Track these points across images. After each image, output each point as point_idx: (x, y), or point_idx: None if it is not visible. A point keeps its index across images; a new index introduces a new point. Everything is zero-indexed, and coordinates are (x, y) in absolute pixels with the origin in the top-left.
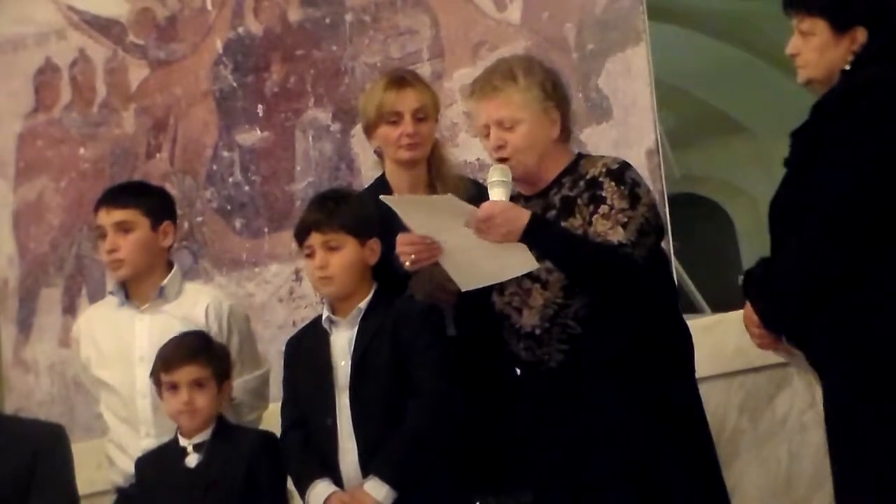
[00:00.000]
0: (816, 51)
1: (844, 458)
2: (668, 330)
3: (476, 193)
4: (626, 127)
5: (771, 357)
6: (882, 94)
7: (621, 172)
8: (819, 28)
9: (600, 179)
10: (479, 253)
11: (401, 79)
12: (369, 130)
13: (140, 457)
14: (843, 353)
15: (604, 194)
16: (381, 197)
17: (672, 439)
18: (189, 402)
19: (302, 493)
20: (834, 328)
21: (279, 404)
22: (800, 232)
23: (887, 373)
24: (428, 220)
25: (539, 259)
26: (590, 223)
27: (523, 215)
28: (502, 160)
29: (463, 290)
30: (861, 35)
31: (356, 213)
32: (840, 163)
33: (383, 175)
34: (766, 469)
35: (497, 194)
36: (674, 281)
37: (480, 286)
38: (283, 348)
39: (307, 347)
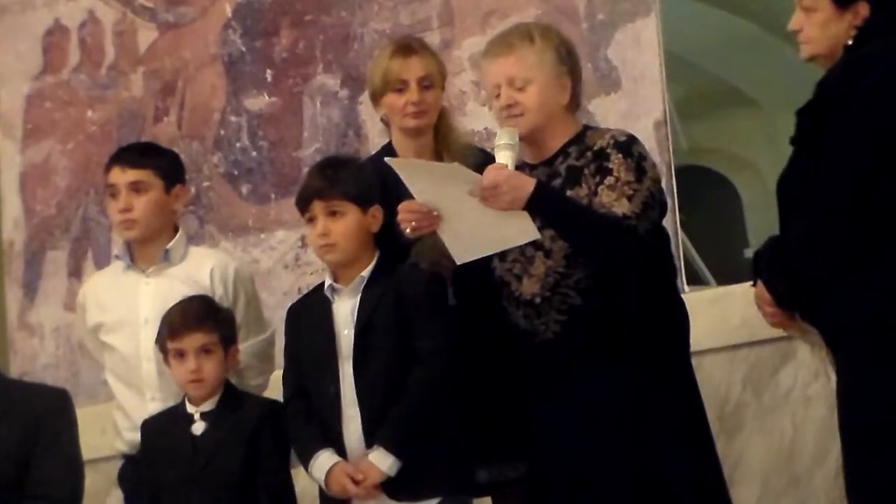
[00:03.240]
0: (819, 26)
1: (857, 434)
2: (666, 306)
3: (483, 162)
4: (635, 98)
5: (776, 330)
6: (885, 69)
7: (629, 145)
8: (821, 3)
9: (608, 151)
10: (480, 222)
11: (407, 46)
12: (375, 98)
13: (146, 419)
14: (857, 330)
15: (610, 166)
16: (387, 159)
17: (666, 414)
18: (196, 370)
19: (305, 464)
20: (848, 304)
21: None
22: (809, 209)
23: None
24: (431, 187)
25: (542, 228)
26: (595, 193)
27: (528, 183)
28: (511, 118)
29: (458, 262)
30: (863, 9)
31: (357, 180)
32: (846, 140)
33: (390, 143)
34: (770, 442)
35: (503, 157)
36: (673, 258)
37: (476, 258)
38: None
39: (309, 315)
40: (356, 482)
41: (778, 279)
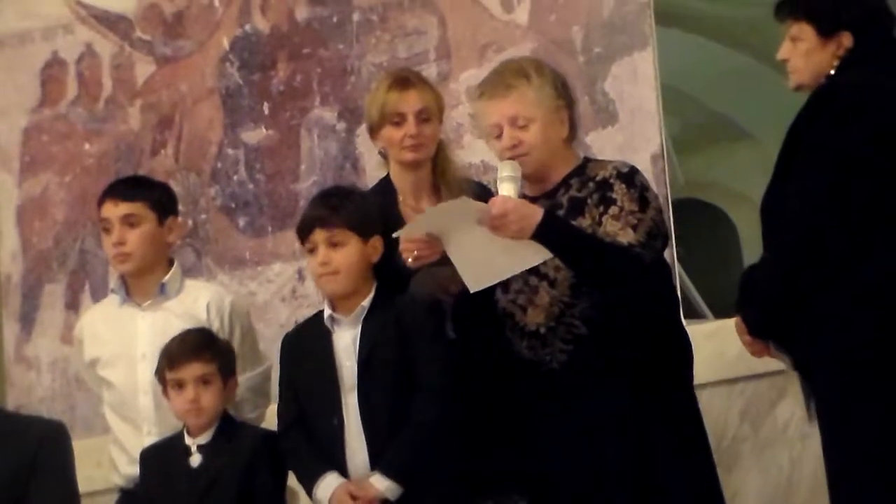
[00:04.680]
0: (803, 56)
1: (838, 458)
2: (670, 336)
3: (481, 195)
4: (632, 131)
5: (773, 363)
6: (851, 97)
7: (631, 176)
8: (806, 33)
9: (611, 181)
10: (490, 249)
11: (404, 79)
12: (373, 131)
13: (145, 448)
14: (826, 355)
15: (614, 196)
16: (396, 234)
17: (670, 445)
18: (195, 400)
19: (309, 490)
20: (815, 330)
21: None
22: (777, 236)
23: (872, 371)
24: (439, 222)
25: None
26: (599, 223)
27: (536, 212)
28: (516, 158)
29: (472, 290)
30: (846, 40)
31: (360, 210)
32: (809, 167)
33: (388, 176)
34: (767, 476)
35: (506, 189)
36: (675, 288)
37: (491, 284)
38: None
39: (307, 346)
40: (355, 498)
41: (748, 308)
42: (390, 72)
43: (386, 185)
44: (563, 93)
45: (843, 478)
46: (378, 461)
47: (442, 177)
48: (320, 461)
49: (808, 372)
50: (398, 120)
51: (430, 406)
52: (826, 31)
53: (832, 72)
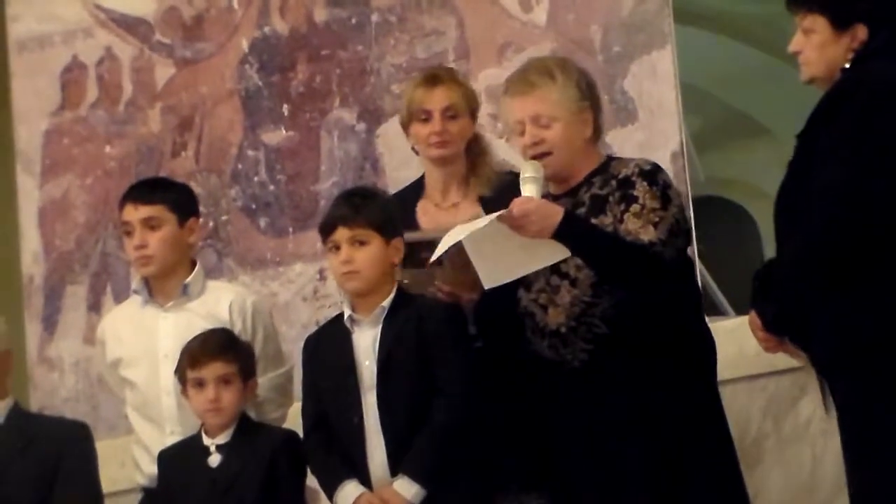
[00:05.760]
0: (817, 48)
1: (857, 456)
2: (692, 334)
3: (513, 181)
4: (652, 129)
5: (794, 360)
6: (873, 90)
7: (654, 173)
8: (820, 25)
9: (633, 179)
10: (509, 245)
11: (433, 76)
12: (406, 128)
13: (163, 450)
14: (844, 352)
15: (636, 193)
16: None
17: (694, 444)
18: (216, 400)
19: (330, 495)
20: (833, 327)
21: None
22: (798, 230)
23: (890, 369)
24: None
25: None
26: (621, 221)
27: (557, 212)
28: (538, 156)
29: (486, 287)
30: (861, 32)
31: (383, 210)
32: (833, 162)
33: (424, 174)
34: (790, 473)
35: (529, 190)
36: (698, 285)
37: (507, 281)
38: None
39: (328, 347)
40: None
41: (766, 303)
42: (423, 69)
43: (419, 182)
44: (588, 93)
45: (861, 475)
46: (399, 464)
47: (473, 170)
48: (340, 467)
49: (825, 369)
50: (425, 117)
51: (451, 410)
52: (841, 24)
53: (846, 65)
